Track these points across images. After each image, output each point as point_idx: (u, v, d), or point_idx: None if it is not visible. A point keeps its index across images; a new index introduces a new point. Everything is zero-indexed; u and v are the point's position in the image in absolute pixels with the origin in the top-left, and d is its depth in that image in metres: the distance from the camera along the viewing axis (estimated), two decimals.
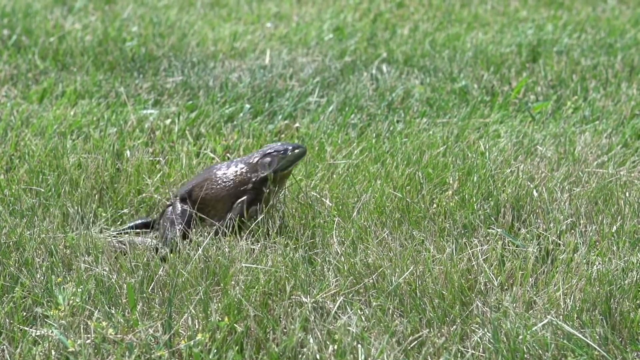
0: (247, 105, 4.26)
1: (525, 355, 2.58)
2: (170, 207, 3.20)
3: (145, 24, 5.41)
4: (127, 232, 3.20)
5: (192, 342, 2.55)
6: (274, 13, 5.88)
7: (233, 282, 2.80)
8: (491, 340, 2.59)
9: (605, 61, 4.89)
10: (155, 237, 3.17)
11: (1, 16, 5.36)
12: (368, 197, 3.29)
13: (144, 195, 3.42)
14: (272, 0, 6.17)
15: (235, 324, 2.63)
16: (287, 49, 5.09)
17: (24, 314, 2.72)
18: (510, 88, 4.58)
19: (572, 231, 3.15)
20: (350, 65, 4.85)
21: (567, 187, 3.42)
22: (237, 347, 2.58)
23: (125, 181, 3.47)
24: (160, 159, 3.68)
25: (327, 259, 2.96)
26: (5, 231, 3.07)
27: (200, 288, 2.75)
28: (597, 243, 3.11)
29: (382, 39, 5.30)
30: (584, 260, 2.96)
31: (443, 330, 2.67)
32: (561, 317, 2.69)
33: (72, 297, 2.70)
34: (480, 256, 2.95)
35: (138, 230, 3.22)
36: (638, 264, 2.93)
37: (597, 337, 2.61)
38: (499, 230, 3.12)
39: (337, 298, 2.76)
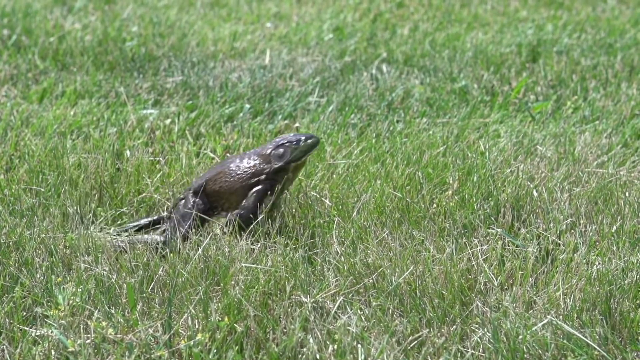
0: (247, 105, 4.25)
1: (525, 355, 2.57)
2: (183, 201, 3.21)
3: (145, 24, 5.41)
4: (136, 229, 3.21)
5: (192, 342, 2.55)
6: (274, 13, 5.88)
7: (233, 282, 2.80)
8: (491, 340, 2.59)
9: (605, 61, 4.89)
10: (163, 231, 3.18)
11: (1, 16, 5.36)
12: (368, 197, 3.29)
13: (143, 195, 3.42)
14: (272, 0, 6.17)
15: (235, 324, 2.63)
16: (287, 49, 5.09)
17: (24, 313, 2.72)
18: (510, 88, 4.58)
19: (572, 231, 3.15)
20: (350, 65, 4.85)
21: (567, 187, 3.42)
22: (237, 347, 2.58)
23: (125, 181, 3.47)
24: (160, 158, 3.68)
25: (327, 258, 2.95)
26: (5, 231, 3.07)
27: (200, 288, 2.75)
28: (597, 243, 3.10)
29: (382, 39, 5.29)
30: (584, 260, 2.96)
31: (443, 330, 2.67)
32: (561, 317, 2.69)
33: (72, 297, 2.70)
34: (480, 256, 2.95)
35: (148, 228, 3.23)
36: (638, 264, 2.93)
37: (597, 337, 2.61)
38: (498, 230, 3.12)
39: (337, 298, 2.75)
